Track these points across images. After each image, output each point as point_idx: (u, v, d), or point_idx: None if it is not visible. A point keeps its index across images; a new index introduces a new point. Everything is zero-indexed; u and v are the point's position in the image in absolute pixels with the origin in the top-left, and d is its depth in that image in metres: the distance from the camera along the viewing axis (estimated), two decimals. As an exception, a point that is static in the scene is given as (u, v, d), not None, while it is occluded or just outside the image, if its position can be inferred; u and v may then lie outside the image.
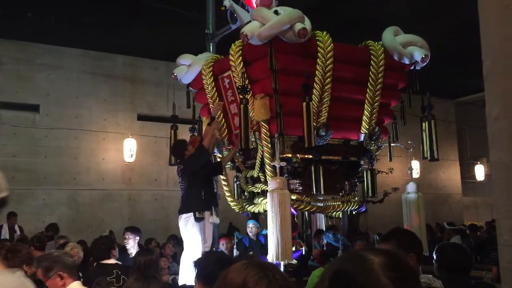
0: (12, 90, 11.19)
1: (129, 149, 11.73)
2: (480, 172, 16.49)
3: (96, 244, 5.04)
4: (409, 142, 6.03)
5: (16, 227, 9.69)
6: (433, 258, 3.55)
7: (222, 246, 7.33)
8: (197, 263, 3.21)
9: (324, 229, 7.20)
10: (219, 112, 5.72)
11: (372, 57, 5.46)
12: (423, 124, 5.67)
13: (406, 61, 5.68)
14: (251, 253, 6.63)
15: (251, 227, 6.92)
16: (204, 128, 6.21)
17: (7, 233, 9.42)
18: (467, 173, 17.58)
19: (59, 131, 11.41)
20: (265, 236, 5.26)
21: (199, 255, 3.94)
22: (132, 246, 6.21)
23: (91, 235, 8.71)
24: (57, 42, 11.30)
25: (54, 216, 10.67)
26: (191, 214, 5.39)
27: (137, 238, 6.38)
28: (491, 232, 10.73)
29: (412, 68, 5.80)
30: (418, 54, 5.63)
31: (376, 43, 5.61)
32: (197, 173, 5.53)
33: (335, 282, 1.13)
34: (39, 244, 6.45)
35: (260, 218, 6.74)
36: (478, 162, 16.59)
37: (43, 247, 6.54)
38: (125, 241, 6.26)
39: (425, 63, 5.71)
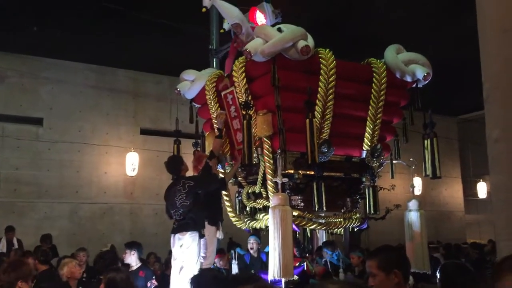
0: (16, 104, 11.27)
1: (131, 163, 11.76)
2: (482, 189, 16.44)
3: (100, 258, 5.04)
4: (411, 159, 6.03)
5: (15, 241, 9.66)
6: (437, 277, 3.54)
7: (217, 263, 7.28)
8: (194, 281, 3.20)
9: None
10: (223, 124, 5.69)
11: (374, 74, 5.48)
12: (425, 142, 5.66)
13: (408, 79, 5.70)
14: (251, 270, 6.60)
15: (252, 242, 6.90)
16: (208, 143, 6.22)
17: (5, 247, 9.40)
18: (469, 190, 17.53)
19: (62, 144, 11.46)
20: (267, 254, 5.25)
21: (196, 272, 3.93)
22: (130, 260, 6.15)
23: (92, 249, 8.70)
24: (61, 56, 11.41)
25: (55, 230, 10.65)
26: (197, 231, 5.38)
27: (133, 252, 6.27)
28: (482, 251, 10.66)
29: (414, 86, 5.82)
30: (420, 72, 5.65)
31: (378, 60, 5.64)
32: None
33: None
34: (44, 258, 6.43)
35: (261, 234, 6.72)
36: (481, 180, 16.55)
37: (48, 261, 6.50)
38: (123, 255, 6.23)
39: (427, 81, 5.74)
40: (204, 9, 5.49)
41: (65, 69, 11.76)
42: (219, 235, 5.72)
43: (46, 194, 11.30)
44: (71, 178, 11.53)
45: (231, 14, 5.43)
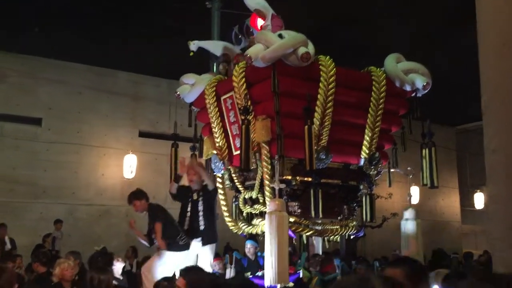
0: (15, 103, 11.26)
1: (129, 165, 11.75)
2: (479, 200, 16.42)
3: (92, 259, 5.02)
4: (408, 168, 6.03)
5: (6, 239, 9.55)
6: None
7: (215, 267, 7.28)
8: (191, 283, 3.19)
9: (320, 253, 7.15)
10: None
11: (374, 82, 5.49)
12: (423, 151, 5.66)
13: (408, 88, 5.70)
14: (249, 273, 6.58)
15: (249, 247, 6.88)
16: (206, 147, 6.21)
17: (-2, 246, 9.32)
18: (466, 200, 17.53)
19: (60, 145, 11.44)
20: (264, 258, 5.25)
21: None
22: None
23: (87, 251, 8.68)
24: (61, 57, 11.41)
25: (50, 231, 10.61)
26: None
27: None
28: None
29: (413, 95, 5.83)
30: (420, 81, 5.65)
31: (378, 69, 5.65)
32: None
33: None
34: (45, 260, 6.33)
35: (258, 239, 6.71)
36: (478, 190, 16.53)
37: (49, 262, 6.37)
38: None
39: (426, 90, 5.74)
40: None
41: (65, 70, 11.76)
42: None
43: (43, 195, 11.27)
44: (68, 179, 11.50)
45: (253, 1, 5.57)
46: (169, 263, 5.92)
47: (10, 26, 9.71)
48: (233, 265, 6.64)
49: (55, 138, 11.48)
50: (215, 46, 6.02)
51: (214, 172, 6.04)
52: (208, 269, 5.88)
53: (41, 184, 11.28)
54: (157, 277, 5.88)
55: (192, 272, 3.76)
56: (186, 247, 6.01)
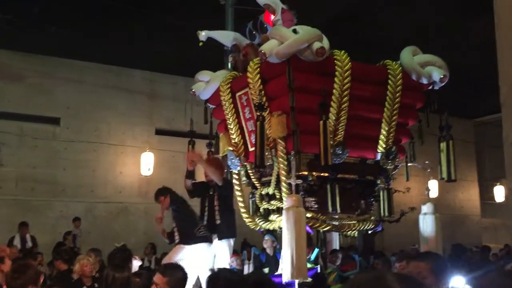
0: (34, 103, 11.42)
1: (146, 162, 11.83)
2: (499, 193, 16.19)
3: (111, 255, 5.08)
4: (426, 162, 5.98)
5: (28, 237, 9.71)
6: None
7: (233, 263, 7.31)
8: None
9: (338, 248, 7.13)
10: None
11: (389, 76, 5.43)
12: (441, 144, 5.61)
13: (424, 81, 5.64)
14: (266, 269, 6.60)
15: (266, 239, 6.89)
16: (222, 143, 6.24)
17: (19, 244, 9.47)
18: (486, 194, 17.30)
19: (78, 144, 11.58)
20: (283, 254, 5.25)
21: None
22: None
23: (107, 248, 8.77)
24: (79, 56, 11.53)
25: (70, 228, 10.76)
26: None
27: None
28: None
29: (430, 87, 5.76)
30: (437, 74, 5.59)
31: (394, 62, 5.59)
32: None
33: None
34: (68, 257, 6.40)
35: (276, 234, 6.72)
36: (498, 183, 16.30)
37: (70, 260, 6.43)
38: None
39: (444, 83, 5.67)
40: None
41: (82, 69, 11.89)
42: None
43: (62, 193, 11.42)
44: (87, 177, 11.64)
45: None
46: (187, 257, 5.96)
47: (27, 27, 9.83)
48: (251, 261, 6.66)
49: (73, 137, 11.61)
50: (225, 37, 5.97)
51: (230, 168, 6.06)
52: (225, 265, 5.90)
53: (60, 183, 11.43)
54: None
55: (173, 269, 3.69)
56: (204, 239, 6.02)
